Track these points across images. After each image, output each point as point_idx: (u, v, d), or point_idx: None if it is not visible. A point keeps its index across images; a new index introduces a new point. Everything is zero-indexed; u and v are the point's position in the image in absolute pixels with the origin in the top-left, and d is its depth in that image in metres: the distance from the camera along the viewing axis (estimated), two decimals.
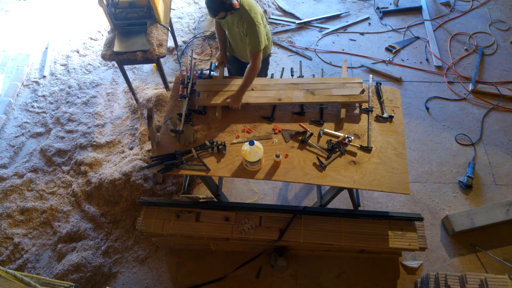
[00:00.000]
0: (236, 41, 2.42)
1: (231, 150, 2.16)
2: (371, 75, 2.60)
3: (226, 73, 2.80)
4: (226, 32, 2.46)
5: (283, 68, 2.78)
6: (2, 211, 3.07)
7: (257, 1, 4.30)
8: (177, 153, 2.12)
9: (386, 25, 4.29)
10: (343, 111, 2.22)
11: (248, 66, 2.23)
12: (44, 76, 4.04)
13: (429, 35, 4.12)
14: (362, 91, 2.26)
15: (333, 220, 2.42)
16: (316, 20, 4.39)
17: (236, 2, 2.02)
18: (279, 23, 4.40)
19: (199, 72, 2.54)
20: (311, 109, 2.35)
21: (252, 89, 2.36)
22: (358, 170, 2.05)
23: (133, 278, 2.75)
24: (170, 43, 4.14)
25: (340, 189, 2.34)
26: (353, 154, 2.12)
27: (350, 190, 2.44)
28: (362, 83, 2.32)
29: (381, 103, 2.33)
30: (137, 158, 3.16)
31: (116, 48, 3.05)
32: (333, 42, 4.17)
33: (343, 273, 2.69)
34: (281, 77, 2.59)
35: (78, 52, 4.24)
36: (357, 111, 2.28)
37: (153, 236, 2.68)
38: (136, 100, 3.70)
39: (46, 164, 3.35)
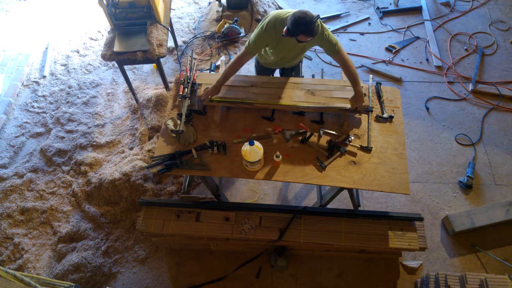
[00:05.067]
0: (292, 54, 2.37)
1: (231, 150, 2.16)
2: (371, 75, 2.60)
3: None
4: (274, 52, 2.35)
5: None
6: (2, 211, 3.07)
7: (257, 1, 4.30)
8: (177, 153, 2.12)
9: (386, 25, 4.30)
10: (344, 119, 2.22)
11: (346, 61, 2.15)
12: (44, 76, 4.04)
13: (429, 35, 4.12)
14: (363, 95, 2.26)
15: (333, 220, 2.42)
16: None
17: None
18: None
19: (199, 72, 2.54)
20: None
21: (252, 86, 2.36)
22: (358, 170, 2.05)
23: (133, 278, 2.75)
24: (170, 43, 4.14)
25: (340, 189, 2.34)
26: (353, 154, 2.12)
27: (350, 190, 2.44)
28: (362, 87, 2.32)
29: (381, 103, 2.33)
30: (137, 158, 3.17)
31: (116, 48, 3.05)
32: None
33: (343, 273, 2.69)
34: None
35: (78, 52, 4.24)
36: (357, 115, 2.28)
37: (153, 236, 2.68)
38: (136, 100, 3.70)
39: (46, 164, 3.35)
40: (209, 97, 2.26)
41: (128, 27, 3.16)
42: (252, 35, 2.18)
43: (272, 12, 2.13)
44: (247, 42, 2.21)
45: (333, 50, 2.14)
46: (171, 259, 2.81)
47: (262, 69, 2.69)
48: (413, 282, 2.63)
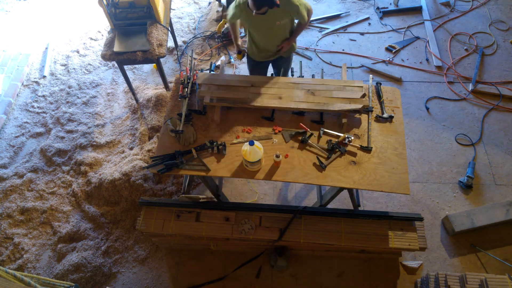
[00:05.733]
0: (275, 34, 2.50)
1: (231, 150, 2.16)
2: (371, 75, 2.60)
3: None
4: (255, 36, 2.56)
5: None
6: (2, 211, 3.07)
7: None
8: (177, 153, 2.12)
9: (386, 25, 4.29)
10: (344, 119, 2.22)
11: (304, 23, 2.49)
12: (44, 76, 4.04)
13: (429, 35, 4.12)
14: (363, 95, 2.26)
15: (333, 220, 2.42)
16: (316, 20, 4.39)
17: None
18: None
19: (199, 72, 2.54)
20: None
21: (252, 85, 2.36)
22: (358, 170, 2.05)
23: (133, 278, 2.75)
24: (170, 43, 4.14)
25: (340, 189, 2.34)
26: (353, 154, 2.12)
27: (350, 190, 2.44)
28: (362, 87, 2.32)
29: (381, 103, 2.33)
30: (137, 158, 3.17)
31: (116, 48, 3.05)
32: (333, 42, 4.17)
33: (343, 273, 2.69)
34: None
35: (78, 52, 4.24)
36: (357, 115, 2.28)
37: (153, 236, 2.68)
38: (136, 100, 3.70)
39: (46, 164, 3.35)
40: (207, 93, 2.34)
41: (128, 27, 3.16)
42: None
43: None
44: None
45: (301, 20, 2.43)
46: (171, 259, 2.81)
47: (254, 64, 2.80)
48: (413, 282, 2.63)
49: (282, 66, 2.82)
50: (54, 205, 3.10)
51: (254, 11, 2.15)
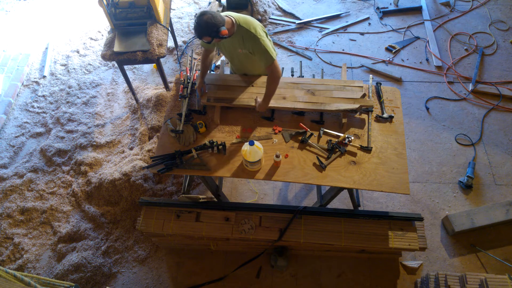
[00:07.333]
0: (241, 61, 2.34)
1: (231, 150, 2.16)
2: (371, 75, 2.60)
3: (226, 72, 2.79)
4: (226, 57, 2.43)
5: (283, 68, 2.78)
6: (2, 211, 3.07)
7: (257, 1, 4.30)
8: (177, 153, 2.12)
9: (386, 25, 4.30)
10: (344, 119, 2.22)
11: (268, 77, 2.13)
12: (44, 76, 4.04)
13: (429, 35, 4.12)
14: (363, 96, 2.26)
15: (333, 220, 2.42)
16: (316, 20, 4.39)
17: (225, 30, 1.91)
18: (279, 23, 4.40)
19: (199, 72, 2.54)
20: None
21: (253, 85, 2.36)
22: (358, 170, 2.05)
23: (133, 278, 2.75)
24: (170, 43, 4.14)
25: (340, 189, 2.34)
26: (353, 154, 2.12)
27: (350, 190, 2.44)
28: (362, 86, 2.32)
29: (381, 103, 2.33)
30: (137, 158, 3.17)
31: (116, 48, 3.05)
32: (333, 42, 4.17)
33: (343, 273, 2.69)
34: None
35: (78, 52, 4.24)
36: (357, 115, 2.28)
37: (153, 236, 2.68)
38: (136, 100, 3.70)
39: (46, 164, 3.35)
40: (204, 94, 2.31)
41: (128, 27, 3.16)
42: None
43: None
44: None
45: (262, 61, 2.09)
46: (171, 259, 2.81)
47: None
48: (413, 282, 2.63)
49: None
50: (54, 205, 3.10)
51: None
